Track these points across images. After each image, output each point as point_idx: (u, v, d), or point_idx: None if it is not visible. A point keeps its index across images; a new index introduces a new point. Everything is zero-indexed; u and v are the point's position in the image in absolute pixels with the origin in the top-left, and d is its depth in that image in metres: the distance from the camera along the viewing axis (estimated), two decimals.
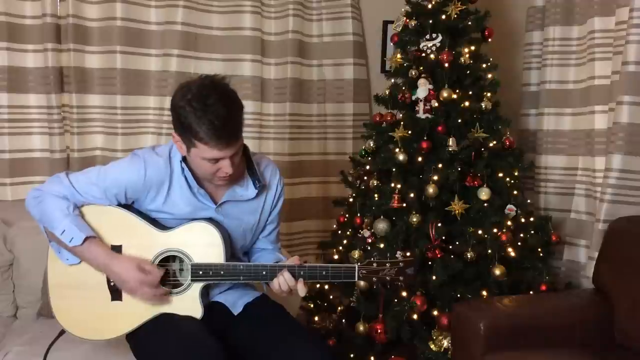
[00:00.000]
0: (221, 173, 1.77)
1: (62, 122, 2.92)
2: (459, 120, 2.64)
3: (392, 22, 3.01)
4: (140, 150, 1.92)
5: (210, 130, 1.65)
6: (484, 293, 2.52)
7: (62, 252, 1.86)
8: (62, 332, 1.93)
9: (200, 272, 1.83)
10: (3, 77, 2.82)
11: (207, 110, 1.65)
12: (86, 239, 1.79)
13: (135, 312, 1.85)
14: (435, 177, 2.56)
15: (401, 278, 1.86)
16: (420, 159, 2.65)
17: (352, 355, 2.71)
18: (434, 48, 2.72)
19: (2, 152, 2.86)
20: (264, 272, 1.85)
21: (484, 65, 2.75)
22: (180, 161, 1.85)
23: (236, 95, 1.75)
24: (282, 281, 1.83)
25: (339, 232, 2.96)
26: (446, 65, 2.66)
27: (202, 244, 1.85)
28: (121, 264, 1.80)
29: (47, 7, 2.81)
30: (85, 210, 1.86)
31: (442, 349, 2.46)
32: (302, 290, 1.83)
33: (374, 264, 1.85)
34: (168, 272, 1.88)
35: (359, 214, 2.79)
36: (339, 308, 2.88)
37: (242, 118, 1.77)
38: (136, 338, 1.86)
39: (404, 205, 2.59)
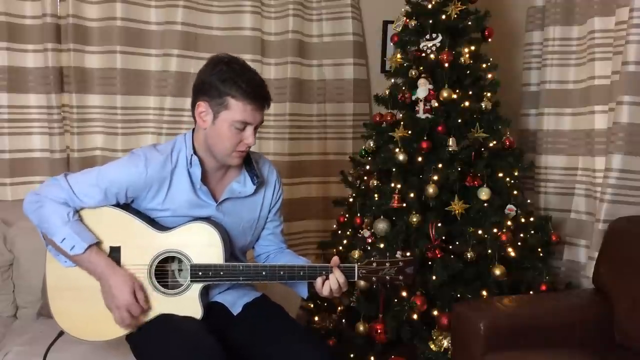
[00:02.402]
0: (242, 146, 1.81)
1: (62, 122, 2.92)
2: (459, 120, 2.64)
3: (392, 22, 3.01)
4: (139, 148, 1.93)
5: (249, 87, 1.75)
6: (484, 293, 2.52)
7: (60, 254, 1.86)
8: (62, 332, 1.93)
9: (200, 273, 1.83)
10: (3, 77, 2.83)
11: (245, 72, 1.79)
12: (88, 247, 1.78)
13: None
14: (435, 177, 2.56)
15: (401, 277, 1.86)
16: (420, 159, 2.65)
17: (352, 355, 2.71)
18: (434, 48, 2.72)
19: (2, 152, 2.87)
20: (263, 273, 1.85)
21: (484, 65, 2.75)
22: (191, 154, 1.86)
23: None
24: (339, 280, 1.83)
25: (339, 232, 2.96)
26: (446, 65, 2.66)
27: (201, 245, 1.85)
28: (118, 280, 1.79)
29: (47, 7, 2.81)
30: (84, 212, 1.85)
31: (442, 349, 2.46)
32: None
33: (374, 264, 1.86)
34: (167, 272, 1.88)
35: (359, 214, 2.79)
36: (339, 308, 2.88)
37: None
38: (136, 338, 1.86)
39: (404, 205, 2.59)
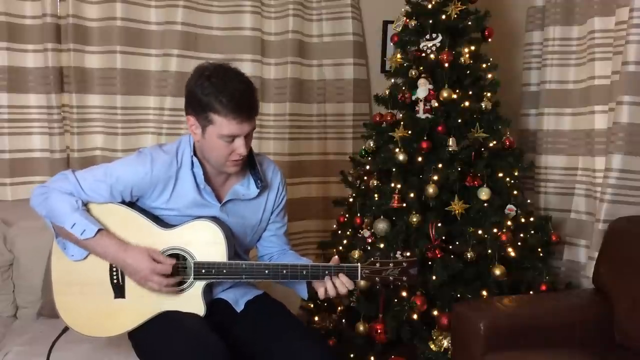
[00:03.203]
0: (235, 156, 1.79)
1: (62, 122, 2.92)
2: (459, 120, 2.64)
3: (392, 22, 3.01)
4: (146, 148, 1.94)
5: (230, 102, 1.70)
6: (484, 293, 2.52)
7: (68, 248, 1.87)
8: (66, 329, 1.93)
9: (203, 271, 1.84)
10: (3, 77, 2.83)
11: (226, 85, 1.71)
12: (98, 231, 1.79)
13: (138, 309, 1.86)
14: (435, 177, 2.57)
15: (404, 278, 1.85)
16: (420, 159, 2.65)
17: (352, 355, 2.71)
18: (434, 48, 2.73)
19: (2, 152, 2.86)
20: (266, 271, 1.85)
21: (484, 65, 2.75)
22: (192, 156, 1.86)
23: (249, 78, 1.81)
24: (340, 283, 1.83)
25: (339, 232, 2.96)
26: (446, 65, 2.66)
27: (205, 242, 1.85)
28: (134, 254, 1.80)
29: (47, 7, 2.81)
30: (89, 208, 1.86)
31: (442, 349, 2.46)
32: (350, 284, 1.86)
33: (377, 264, 1.85)
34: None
35: (359, 214, 2.79)
36: (339, 308, 2.88)
37: (258, 98, 1.81)
38: (138, 335, 1.87)
39: (404, 205, 2.59)
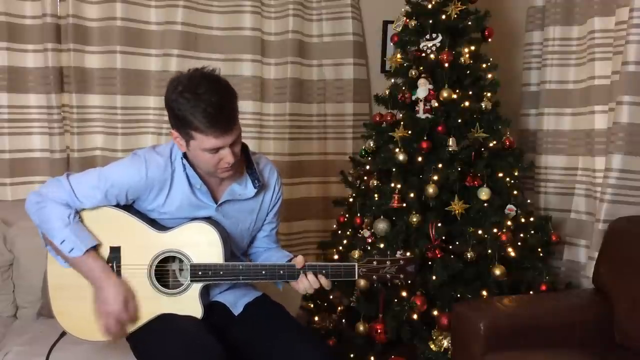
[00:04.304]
0: (223, 164, 1.76)
1: (62, 122, 2.92)
2: (459, 120, 2.64)
3: (392, 22, 3.01)
4: (140, 150, 1.92)
5: (205, 118, 1.65)
6: (484, 293, 2.52)
7: (59, 255, 1.86)
8: (64, 333, 1.93)
9: (200, 273, 1.83)
10: (3, 77, 2.83)
11: (199, 99, 1.65)
12: (86, 251, 1.78)
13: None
14: (435, 177, 2.56)
15: (401, 276, 1.86)
16: (420, 159, 2.65)
17: (352, 355, 2.71)
18: (434, 48, 2.72)
19: (2, 152, 2.87)
20: (263, 272, 1.85)
21: (484, 65, 2.75)
22: (182, 158, 1.85)
23: (228, 83, 1.75)
24: (309, 283, 1.84)
25: (339, 232, 2.96)
26: (446, 65, 2.66)
27: (201, 244, 1.85)
28: (111, 288, 1.79)
29: (47, 7, 2.81)
30: (84, 213, 1.85)
31: (442, 349, 2.46)
32: (327, 284, 1.85)
33: (374, 262, 1.85)
34: (168, 272, 1.88)
35: (359, 214, 2.79)
36: (339, 308, 2.88)
37: (236, 105, 1.75)
38: (136, 338, 1.86)
39: (404, 205, 2.59)
